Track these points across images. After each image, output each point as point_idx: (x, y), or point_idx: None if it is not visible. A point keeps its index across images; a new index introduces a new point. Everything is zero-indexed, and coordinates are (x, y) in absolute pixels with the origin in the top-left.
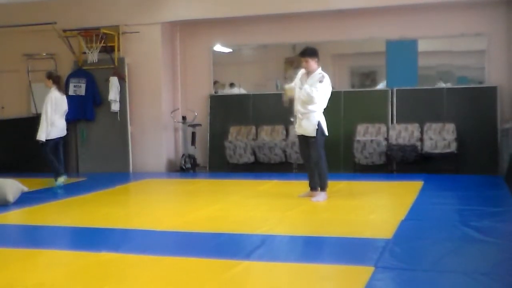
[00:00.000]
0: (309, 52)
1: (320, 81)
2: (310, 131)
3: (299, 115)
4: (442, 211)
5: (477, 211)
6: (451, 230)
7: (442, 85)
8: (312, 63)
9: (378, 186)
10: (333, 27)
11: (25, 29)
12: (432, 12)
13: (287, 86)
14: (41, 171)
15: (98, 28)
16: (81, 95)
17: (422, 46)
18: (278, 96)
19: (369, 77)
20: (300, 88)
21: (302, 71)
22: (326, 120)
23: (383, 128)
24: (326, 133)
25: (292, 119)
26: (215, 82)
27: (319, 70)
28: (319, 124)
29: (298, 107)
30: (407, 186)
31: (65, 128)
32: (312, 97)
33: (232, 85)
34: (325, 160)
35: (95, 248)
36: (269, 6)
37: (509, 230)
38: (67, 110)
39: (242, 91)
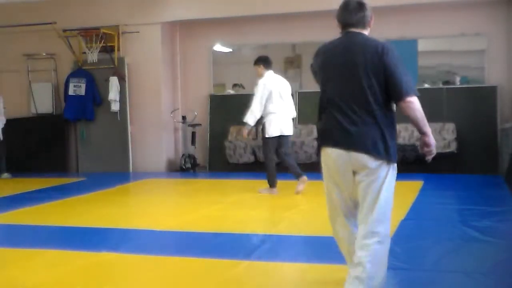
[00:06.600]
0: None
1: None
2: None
3: None
4: (442, 211)
5: (477, 211)
6: (451, 230)
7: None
8: (259, 70)
9: None
10: (333, 27)
11: (25, 29)
12: (432, 12)
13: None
14: (41, 171)
15: (98, 28)
16: (81, 95)
17: (422, 46)
18: None
19: None
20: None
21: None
22: None
23: None
24: (270, 135)
25: None
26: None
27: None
28: (264, 125)
29: None
30: (407, 186)
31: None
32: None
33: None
34: (271, 158)
35: (95, 248)
36: (269, 6)
37: (509, 230)
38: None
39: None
